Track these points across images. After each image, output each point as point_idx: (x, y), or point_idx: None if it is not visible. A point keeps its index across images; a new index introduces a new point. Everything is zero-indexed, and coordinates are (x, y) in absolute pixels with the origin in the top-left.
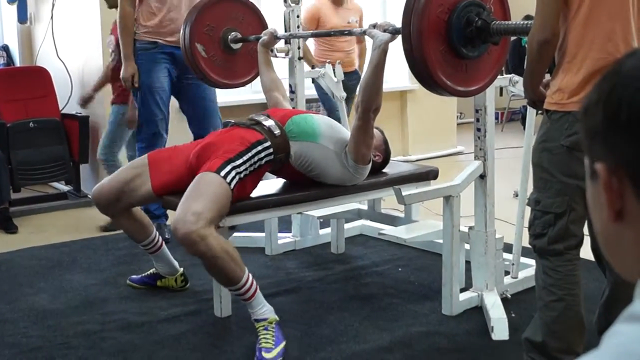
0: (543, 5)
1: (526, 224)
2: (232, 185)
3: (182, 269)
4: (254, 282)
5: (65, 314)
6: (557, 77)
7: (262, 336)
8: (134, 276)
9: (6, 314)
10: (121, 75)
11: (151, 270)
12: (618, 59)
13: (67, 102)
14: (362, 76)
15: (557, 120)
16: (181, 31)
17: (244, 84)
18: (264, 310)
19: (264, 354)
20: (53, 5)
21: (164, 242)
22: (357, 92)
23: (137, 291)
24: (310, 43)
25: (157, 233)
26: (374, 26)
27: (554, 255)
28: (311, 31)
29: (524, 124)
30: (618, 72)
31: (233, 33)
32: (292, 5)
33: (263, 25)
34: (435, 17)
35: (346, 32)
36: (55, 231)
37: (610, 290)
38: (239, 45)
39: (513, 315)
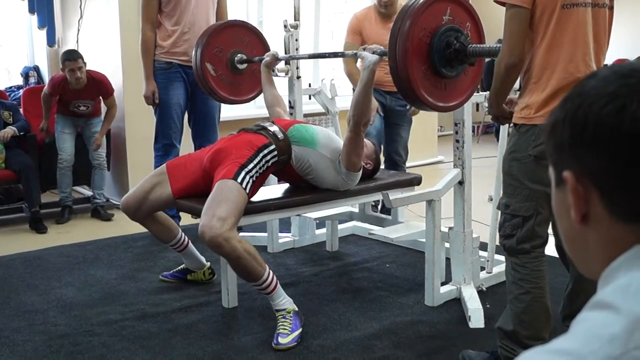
0: (510, 33)
1: None
2: (247, 190)
3: (209, 263)
4: (274, 278)
5: (90, 305)
6: (525, 96)
7: (280, 323)
8: (165, 272)
9: (37, 305)
10: (143, 94)
11: (181, 266)
12: (579, 80)
13: None
14: (354, 93)
15: (525, 132)
16: (193, 52)
17: (248, 100)
18: (284, 301)
19: (280, 339)
20: (78, 30)
21: (189, 241)
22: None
23: (152, 285)
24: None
25: (183, 233)
26: (364, 49)
27: (522, 254)
28: (308, 53)
29: (497, 136)
30: (581, 93)
31: (239, 55)
32: (292, 30)
33: (266, 48)
34: (418, 40)
35: (340, 54)
36: (80, 231)
37: (572, 284)
38: (244, 65)
39: (488, 306)
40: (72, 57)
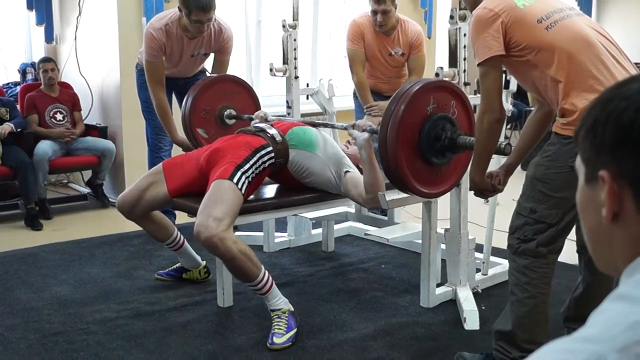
0: (486, 91)
1: (496, 227)
2: (243, 190)
3: (204, 262)
4: (270, 278)
5: (85, 303)
6: (566, 116)
7: (275, 323)
8: (161, 271)
9: (32, 303)
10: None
11: (177, 265)
12: (621, 82)
13: (88, 113)
14: (363, 174)
15: (568, 143)
16: (181, 118)
17: None
18: (279, 302)
19: (275, 339)
20: (77, 27)
21: (185, 240)
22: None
23: (148, 283)
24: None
25: (179, 232)
26: (353, 126)
27: (537, 257)
28: (298, 119)
29: None
30: (626, 97)
31: (228, 110)
32: (290, 30)
33: (253, 97)
34: (408, 139)
35: (329, 125)
36: (75, 229)
37: (583, 289)
38: (233, 120)
39: (483, 308)
40: (47, 59)
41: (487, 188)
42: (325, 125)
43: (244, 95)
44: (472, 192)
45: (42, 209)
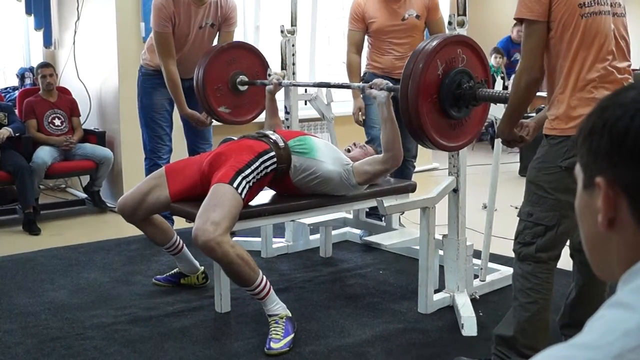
0: (530, 48)
1: (494, 233)
2: (243, 195)
3: (202, 267)
4: (267, 283)
5: (82, 308)
6: (553, 108)
7: (272, 329)
8: (159, 276)
9: (29, 307)
10: (188, 116)
11: (175, 270)
12: (617, 90)
13: (87, 118)
14: (382, 132)
15: (556, 144)
16: (200, 103)
17: (255, 117)
18: (277, 307)
19: (272, 344)
20: (75, 32)
21: (184, 245)
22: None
23: (146, 288)
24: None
25: (178, 237)
26: (370, 87)
27: (538, 262)
28: (313, 82)
29: (492, 143)
30: (622, 104)
31: (240, 77)
32: (288, 35)
33: (255, 53)
34: (428, 94)
35: (345, 85)
36: (73, 233)
37: (577, 293)
38: (245, 86)
39: (481, 314)
40: (45, 65)
41: (515, 139)
42: (341, 86)
43: (247, 55)
44: (500, 140)
45: (34, 213)
